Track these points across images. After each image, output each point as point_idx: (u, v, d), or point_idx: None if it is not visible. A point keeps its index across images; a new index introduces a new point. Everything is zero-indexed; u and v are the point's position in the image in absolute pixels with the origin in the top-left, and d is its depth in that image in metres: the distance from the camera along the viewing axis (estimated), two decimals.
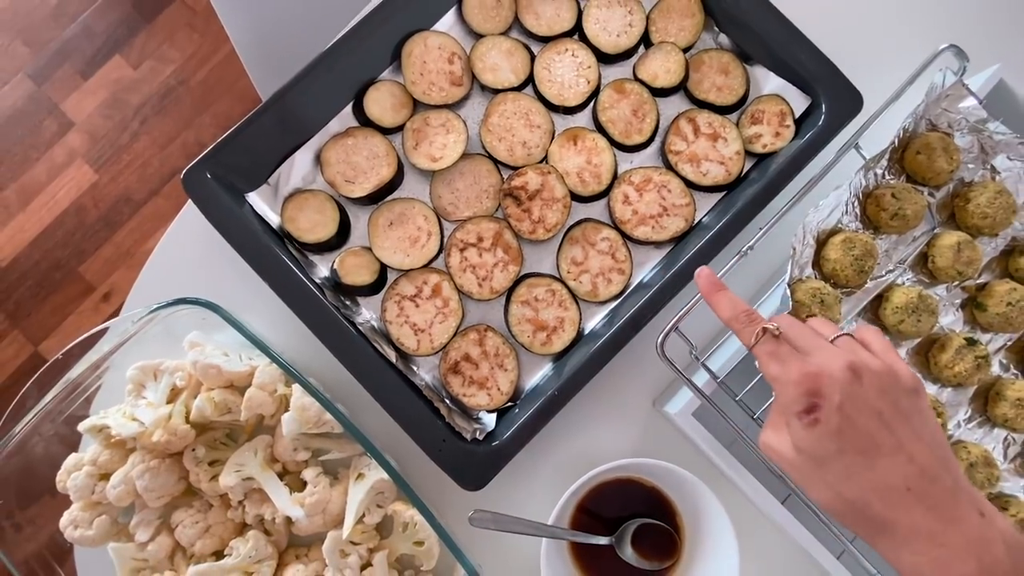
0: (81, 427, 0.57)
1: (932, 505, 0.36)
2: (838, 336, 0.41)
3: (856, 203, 0.59)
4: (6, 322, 1.66)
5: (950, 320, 0.60)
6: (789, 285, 0.56)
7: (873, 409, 0.37)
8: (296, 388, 0.57)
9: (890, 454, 0.36)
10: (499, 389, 0.63)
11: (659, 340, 0.56)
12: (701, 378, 0.59)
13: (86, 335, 0.54)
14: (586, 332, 0.65)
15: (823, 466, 0.37)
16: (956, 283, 0.59)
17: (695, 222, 0.66)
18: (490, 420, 0.63)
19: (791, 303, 0.55)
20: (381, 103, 0.65)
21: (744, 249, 0.56)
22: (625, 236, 0.66)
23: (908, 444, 0.37)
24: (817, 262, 0.58)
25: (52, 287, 1.66)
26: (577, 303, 0.65)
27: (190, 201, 0.69)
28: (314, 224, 0.63)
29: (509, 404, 0.63)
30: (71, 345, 0.54)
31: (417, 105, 0.66)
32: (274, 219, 0.64)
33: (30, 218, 1.69)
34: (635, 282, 0.66)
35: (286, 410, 0.56)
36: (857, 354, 0.39)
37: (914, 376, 0.40)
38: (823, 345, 0.40)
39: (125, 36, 1.74)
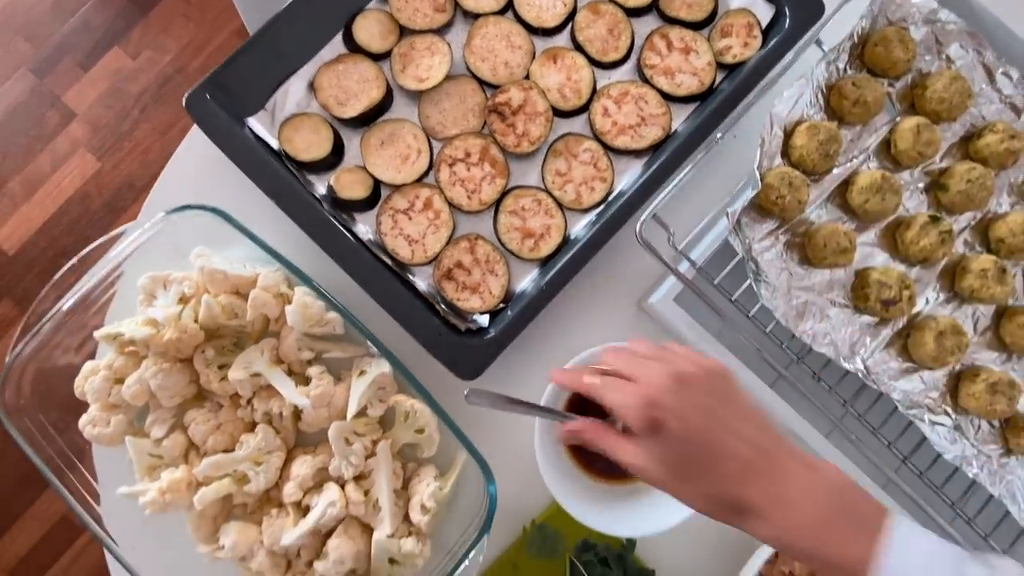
0: (97, 334, 0.60)
1: (768, 472, 0.40)
2: (653, 350, 0.46)
3: (820, 96, 0.62)
4: (15, 309, 1.70)
5: (915, 204, 0.63)
6: (758, 171, 0.59)
7: (702, 407, 0.42)
8: (298, 289, 0.60)
9: (727, 441, 0.41)
10: (491, 292, 0.67)
11: (638, 227, 0.59)
12: (681, 268, 0.62)
13: (100, 240, 0.58)
14: (572, 238, 0.69)
15: (684, 472, 0.41)
16: (919, 166, 0.63)
17: (672, 131, 0.70)
18: (483, 321, 0.66)
19: (760, 186, 0.58)
20: (369, 30, 0.69)
21: (711, 137, 0.60)
22: (606, 146, 0.69)
23: (738, 426, 0.41)
24: (786, 152, 0.62)
25: None
26: (563, 211, 0.68)
27: (186, 138, 0.73)
28: (310, 144, 0.67)
29: (501, 306, 0.67)
30: (86, 251, 0.58)
31: (403, 31, 0.70)
32: (272, 142, 0.68)
33: (35, 208, 1.73)
34: (617, 189, 0.69)
35: None
36: (675, 364, 0.43)
37: (722, 365, 0.45)
38: (644, 364, 0.44)
39: (123, 28, 1.79)
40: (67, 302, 0.57)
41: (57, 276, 0.57)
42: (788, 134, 0.61)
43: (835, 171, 0.62)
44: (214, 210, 0.60)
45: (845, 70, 0.63)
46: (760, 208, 0.60)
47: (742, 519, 0.41)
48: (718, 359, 0.50)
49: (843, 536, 0.38)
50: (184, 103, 0.64)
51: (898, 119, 0.63)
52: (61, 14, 1.80)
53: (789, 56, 0.61)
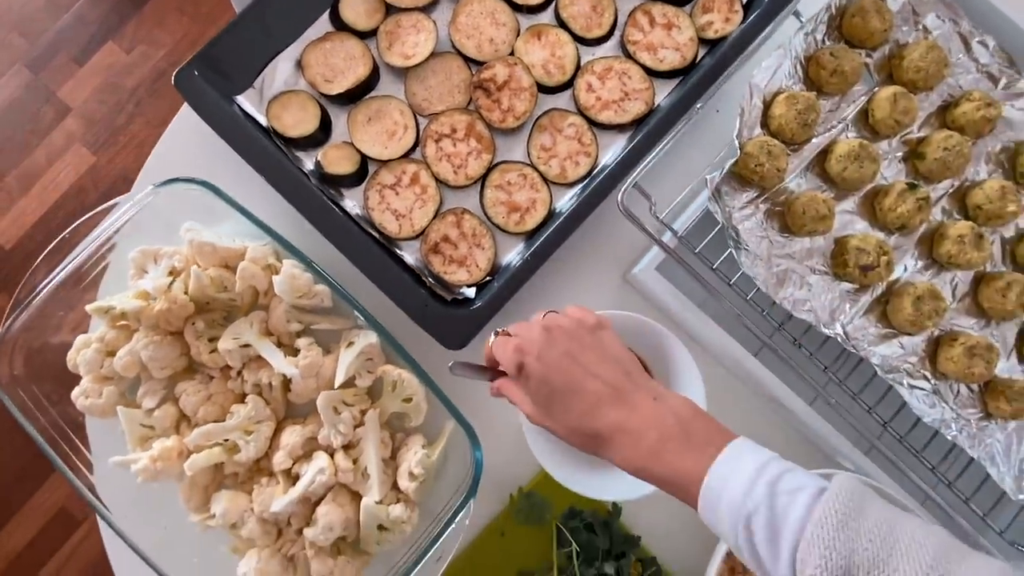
0: (89, 308, 0.61)
1: (619, 405, 0.44)
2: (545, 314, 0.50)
3: (799, 67, 0.63)
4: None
5: (893, 173, 0.64)
6: (738, 140, 0.60)
7: (563, 351, 0.46)
8: (286, 261, 0.61)
9: (585, 380, 0.45)
10: (478, 266, 0.67)
11: (620, 196, 0.60)
12: (664, 239, 0.63)
13: (92, 213, 0.59)
14: (557, 212, 0.70)
15: (549, 408, 0.46)
16: (896, 135, 0.63)
17: (655, 105, 0.71)
18: (470, 293, 0.67)
19: (740, 154, 0.59)
20: (355, 8, 0.70)
21: (692, 108, 0.61)
22: (590, 121, 0.70)
23: (595, 368, 0.45)
24: (765, 123, 0.63)
25: None
26: (548, 185, 0.69)
27: (176, 117, 0.74)
28: (298, 120, 0.68)
29: (488, 279, 0.68)
30: (79, 223, 0.59)
31: (389, 9, 0.71)
32: (261, 120, 0.69)
33: (31, 202, 1.74)
34: (601, 164, 0.70)
35: None
36: (553, 319, 0.48)
37: (598, 317, 0.49)
38: (528, 324, 0.49)
39: (117, 23, 1.80)
40: (59, 274, 0.58)
41: (50, 247, 0.58)
42: (767, 105, 0.62)
43: (814, 140, 0.63)
44: (203, 183, 0.61)
45: (823, 41, 0.64)
46: (740, 177, 0.61)
47: (598, 448, 0.45)
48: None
49: (681, 456, 0.41)
50: (173, 80, 0.65)
51: (876, 89, 0.64)
52: (55, 10, 1.81)
53: (768, 27, 0.62)
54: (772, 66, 0.61)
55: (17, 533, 1.57)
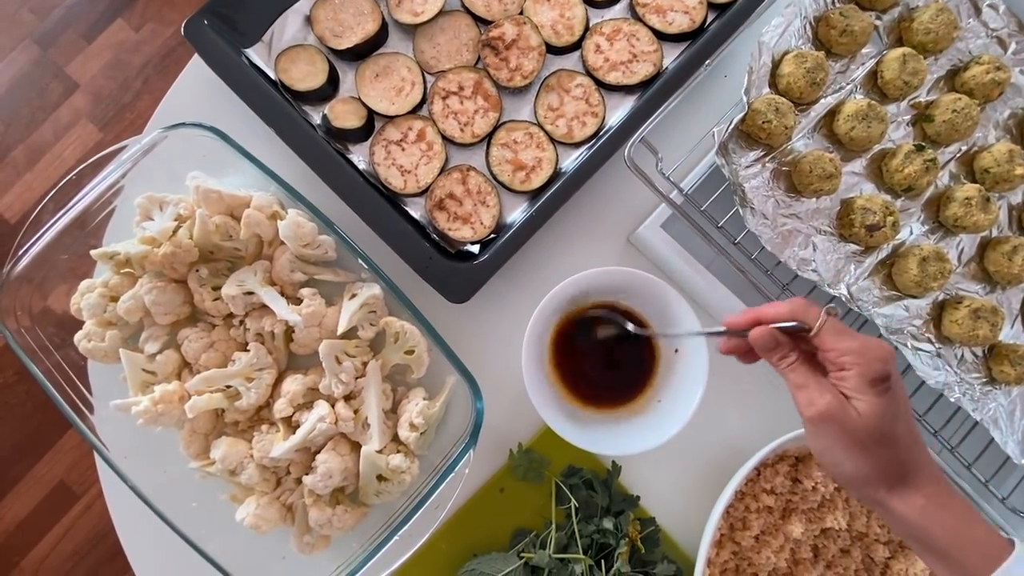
0: (93, 254, 0.61)
1: (925, 449, 0.43)
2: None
3: (808, 27, 0.63)
4: None
5: (901, 135, 0.64)
6: (746, 97, 0.60)
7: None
8: (291, 210, 0.61)
9: (911, 425, 0.43)
10: (482, 223, 0.67)
11: (627, 150, 0.60)
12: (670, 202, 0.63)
13: (100, 155, 0.59)
14: (563, 172, 0.69)
15: (886, 433, 0.41)
16: (905, 98, 0.63)
17: (663, 68, 0.70)
18: (474, 250, 0.67)
19: (747, 111, 0.59)
20: None
21: (704, 65, 0.61)
22: (598, 82, 0.70)
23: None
24: (773, 83, 0.62)
25: None
26: (554, 145, 0.69)
27: (184, 71, 0.74)
28: (306, 74, 0.68)
29: (492, 236, 0.68)
30: (84, 165, 0.59)
31: None
32: (270, 74, 0.69)
33: (37, 177, 1.75)
34: (608, 125, 0.70)
35: None
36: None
37: None
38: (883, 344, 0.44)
39: (126, 0, 1.81)
40: (66, 214, 0.58)
41: (58, 187, 0.58)
42: (776, 64, 0.62)
43: (822, 101, 0.62)
44: (212, 128, 0.61)
45: (833, 2, 0.63)
46: (747, 136, 0.61)
47: (903, 481, 0.42)
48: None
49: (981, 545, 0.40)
50: (183, 30, 0.65)
51: (885, 51, 0.63)
52: None
53: None
54: (781, 24, 0.61)
55: (16, 506, 1.58)
